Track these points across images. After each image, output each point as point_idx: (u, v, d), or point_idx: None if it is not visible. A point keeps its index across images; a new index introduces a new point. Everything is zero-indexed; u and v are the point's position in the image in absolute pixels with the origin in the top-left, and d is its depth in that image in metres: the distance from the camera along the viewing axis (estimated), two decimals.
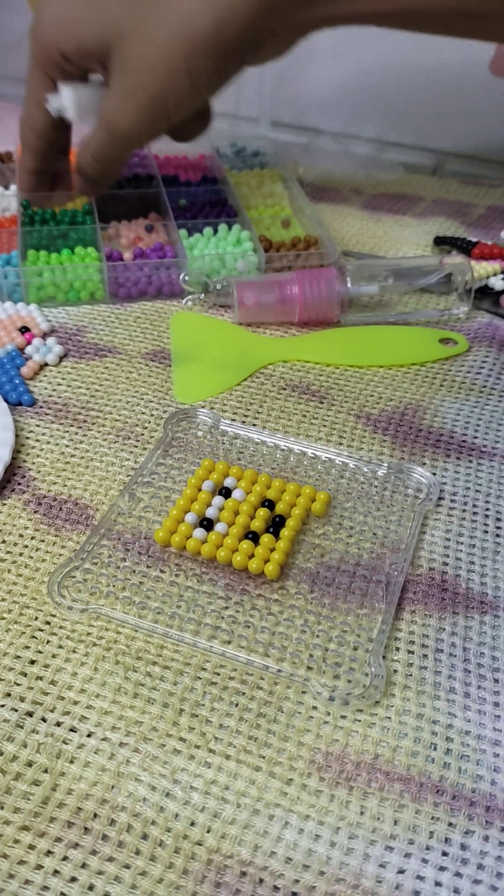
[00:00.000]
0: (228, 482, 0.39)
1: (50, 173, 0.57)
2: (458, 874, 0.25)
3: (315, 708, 0.30)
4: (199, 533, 0.36)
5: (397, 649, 0.33)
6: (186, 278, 0.52)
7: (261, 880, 0.25)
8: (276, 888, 0.25)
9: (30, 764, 0.28)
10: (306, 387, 0.47)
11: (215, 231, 0.57)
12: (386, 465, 0.41)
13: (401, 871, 0.25)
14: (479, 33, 0.44)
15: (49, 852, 0.26)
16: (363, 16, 0.45)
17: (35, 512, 0.38)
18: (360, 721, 0.30)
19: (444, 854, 0.26)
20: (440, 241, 0.61)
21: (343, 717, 0.30)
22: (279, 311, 0.51)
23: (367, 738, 0.29)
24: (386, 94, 0.73)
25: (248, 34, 0.44)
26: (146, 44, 0.44)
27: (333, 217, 0.65)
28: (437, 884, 0.25)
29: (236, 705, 0.30)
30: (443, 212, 0.66)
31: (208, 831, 0.26)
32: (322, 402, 0.46)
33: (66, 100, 0.50)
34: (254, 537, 0.36)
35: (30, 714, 0.29)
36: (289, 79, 0.75)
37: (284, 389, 0.47)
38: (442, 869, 0.25)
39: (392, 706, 0.30)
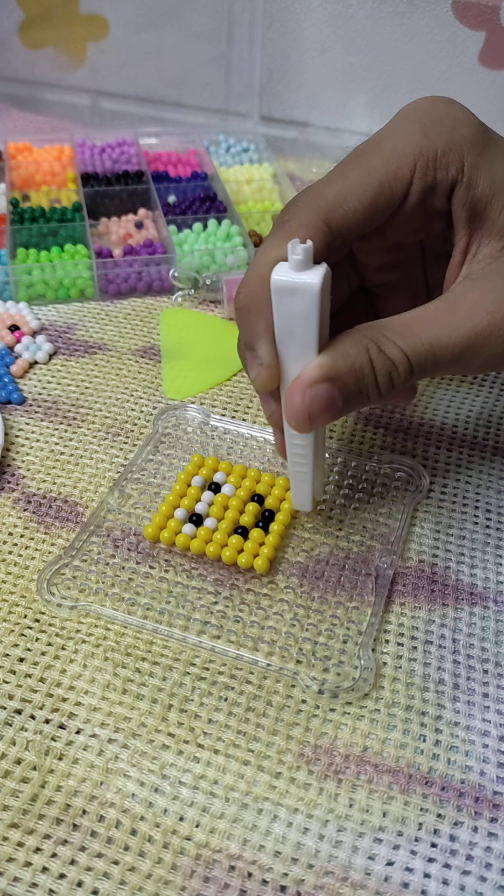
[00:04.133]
0: (218, 477, 0.39)
1: None
2: (446, 865, 0.25)
3: (304, 701, 0.30)
4: (188, 528, 0.36)
5: (387, 642, 0.33)
6: (176, 274, 0.52)
7: (249, 874, 0.25)
8: (264, 882, 0.25)
9: (18, 761, 0.28)
10: None
11: (205, 226, 0.57)
12: (376, 457, 0.41)
13: (390, 864, 0.25)
14: None
15: (38, 849, 0.26)
16: None
17: (24, 510, 0.38)
18: (349, 714, 0.30)
19: (433, 845, 0.26)
20: None
21: (332, 710, 0.30)
22: None
23: (355, 730, 0.29)
24: (375, 86, 0.73)
25: None
26: None
27: None
28: (426, 875, 0.25)
29: (225, 700, 0.30)
30: None
31: (197, 826, 0.26)
32: None
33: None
34: (243, 532, 0.36)
35: (18, 712, 0.29)
36: (278, 73, 0.74)
37: None
38: (431, 860, 0.25)
39: (381, 698, 0.30)
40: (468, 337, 0.29)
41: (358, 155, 0.32)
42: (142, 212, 0.59)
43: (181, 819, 0.26)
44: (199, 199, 0.60)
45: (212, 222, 0.56)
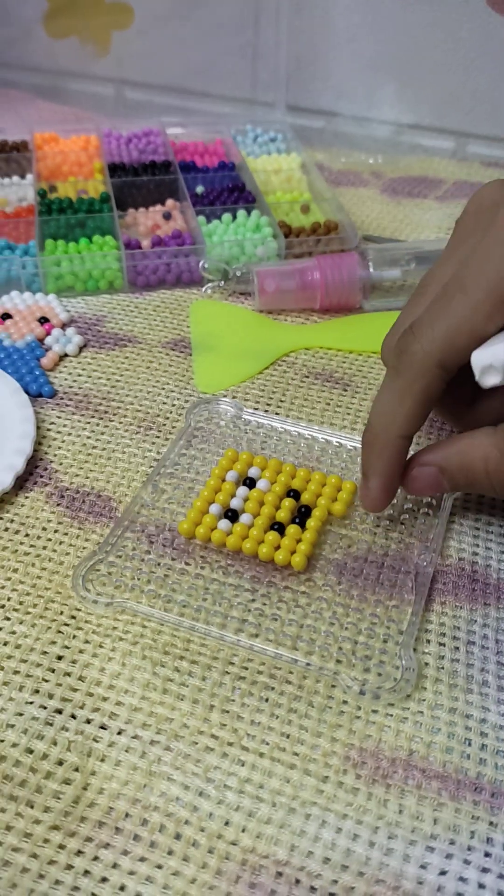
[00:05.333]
0: (253, 472, 0.38)
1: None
2: (501, 876, 0.25)
3: (345, 702, 0.30)
4: (223, 524, 0.36)
5: (428, 641, 0.32)
6: (206, 265, 0.52)
7: (297, 881, 0.24)
8: (313, 889, 0.24)
9: (60, 762, 0.27)
10: (329, 374, 0.46)
11: (234, 217, 0.56)
12: (412, 453, 0.40)
13: (443, 873, 0.25)
14: None
15: (79, 852, 0.25)
16: None
17: (58, 504, 0.37)
18: (391, 716, 0.29)
19: (487, 855, 0.25)
20: None
21: (374, 711, 0.29)
22: (300, 298, 0.50)
23: (400, 733, 0.29)
24: (403, 75, 0.72)
25: None
26: None
27: (353, 201, 0.64)
28: (481, 886, 0.24)
29: (266, 700, 0.29)
30: (465, 194, 0.65)
31: (243, 831, 0.26)
32: (346, 390, 0.45)
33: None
34: (279, 528, 0.35)
35: (59, 711, 0.29)
36: (305, 62, 0.73)
37: (307, 377, 0.46)
38: (485, 871, 0.25)
39: (424, 700, 0.30)
40: None
41: (458, 280, 0.31)
42: (169, 202, 0.59)
43: (227, 823, 0.26)
44: (228, 190, 0.59)
45: (241, 213, 0.56)
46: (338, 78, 0.74)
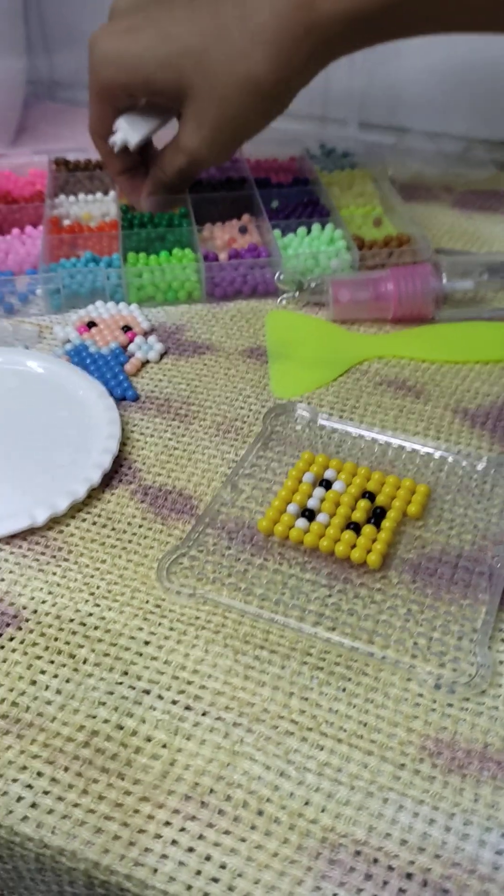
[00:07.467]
0: (328, 474, 0.39)
1: (141, 166, 0.59)
2: None
3: (421, 695, 0.30)
4: (301, 522, 0.37)
5: (503, 640, 0.32)
6: (282, 277, 0.53)
7: (375, 860, 0.25)
8: (390, 868, 0.25)
9: (149, 739, 0.29)
10: (402, 382, 0.47)
11: (308, 230, 0.57)
12: (485, 459, 0.41)
13: None
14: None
15: (167, 823, 0.27)
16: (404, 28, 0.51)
17: (142, 501, 0.39)
18: (467, 709, 0.30)
19: None
20: None
21: (450, 705, 0.30)
22: (374, 308, 0.51)
23: (475, 726, 0.29)
24: (475, 90, 0.73)
25: (302, 72, 0.49)
26: (216, 85, 0.49)
27: (424, 216, 0.65)
28: None
29: (344, 690, 0.30)
30: None
31: (323, 811, 0.27)
32: (418, 398, 0.46)
33: (128, 132, 0.55)
34: (355, 527, 0.37)
35: (147, 692, 0.30)
36: (377, 79, 0.75)
37: (380, 385, 0.47)
38: None
39: (499, 696, 0.30)
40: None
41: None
42: (245, 217, 0.60)
43: (307, 803, 0.27)
44: (302, 204, 0.61)
45: (315, 227, 0.57)
46: (410, 94, 0.75)
